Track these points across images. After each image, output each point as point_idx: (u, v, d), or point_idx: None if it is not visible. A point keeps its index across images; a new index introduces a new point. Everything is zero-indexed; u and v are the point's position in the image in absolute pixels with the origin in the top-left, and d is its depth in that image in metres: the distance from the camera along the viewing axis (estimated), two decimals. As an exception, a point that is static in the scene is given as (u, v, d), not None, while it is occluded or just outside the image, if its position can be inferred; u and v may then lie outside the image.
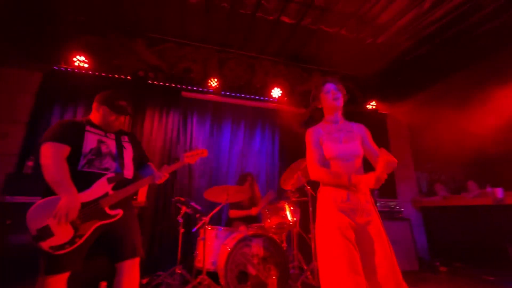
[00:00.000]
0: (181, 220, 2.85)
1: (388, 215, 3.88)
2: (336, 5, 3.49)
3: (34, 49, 3.59)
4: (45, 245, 1.37)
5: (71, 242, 1.42)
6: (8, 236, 2.59)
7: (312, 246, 2.79)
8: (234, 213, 3.24)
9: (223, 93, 4.28)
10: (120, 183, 1.61)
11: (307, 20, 3.77)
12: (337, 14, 3.63)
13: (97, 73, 3.82)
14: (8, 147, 3.24)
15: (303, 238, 3.09)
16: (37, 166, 3.12)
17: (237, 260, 2.35)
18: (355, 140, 1.58)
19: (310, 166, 1.57)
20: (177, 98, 4.11)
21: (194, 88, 4.22)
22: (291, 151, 4.42)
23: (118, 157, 1.67)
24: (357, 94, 5.03)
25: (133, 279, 1.59)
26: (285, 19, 3.78)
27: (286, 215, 2.72)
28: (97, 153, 1.60)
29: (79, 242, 1.44)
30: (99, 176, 1.56)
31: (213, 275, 2.53)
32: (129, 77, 3.95)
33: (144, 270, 1.83)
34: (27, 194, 2.72)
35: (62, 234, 1.40)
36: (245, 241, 2.41)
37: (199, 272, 2.55)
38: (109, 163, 1.62)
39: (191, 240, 3.35)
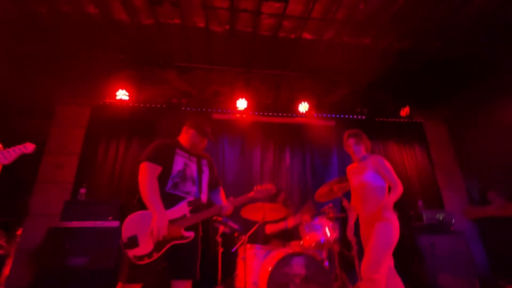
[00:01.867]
0: (219, 239, 2.89)
1: (436, 228, 3.55)
2: (357, 17, 3.50)
3: (83, 88, 4.06)
4: (131, 253, 1.53)
5: (150, 255, 1.55)
6: (66, 258, 2.82)
7: (356, 264, 2.65)
8: (270, 227, 3.21)
9: (251, 112, 4.39)
10: (197, 207, 1.76)
11: (329, 34, 3.81)
12: (358, 24, 3.63)
13: (136, 104, 4.17)
14: (64, 176, 3.62)
15: (346, 256, 2.95)
16: (89, 193, 3.42)
17: (278, 280, 2.31)
18: (364, 172, 2.10)
19: None
20: (209, 121, 4.31)
21: (224, 110, 4.40)
22: (323, 165, 4.34)
23: (198, 181, 1.83)
24: (387, 104, 4.86)
25: None
26: (307, 36, 3.86)
27: (325, 232, 2.64)
28: (182, 176, 1.78)
29: (155, 256, 1.57)
30: (181, 198, 1.72)
31: (255, 296, 2.49)
32: (164, 105, 4.25)
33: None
34: (81, 219, 2.98)
35: (144, 246, 1.56)
36: (285, 260, 2.37)
37: (241, 292, 2.54)
38: (190, 187, 1.79)
39: (229, 260, 3.36)
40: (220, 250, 2.89)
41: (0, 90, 3.23)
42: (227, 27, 3.68)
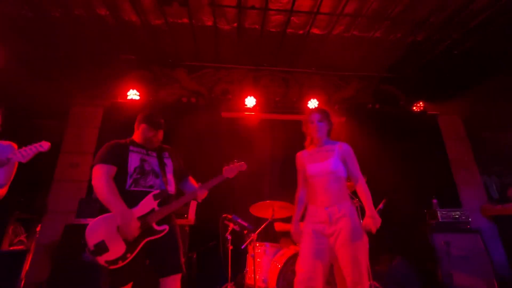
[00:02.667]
0: (229, 237, 2.91)
1: (452, 227, 3.44)
2: (367, 10, 3.41)
3: (96, 88, 4.16)
4: (101, 259, 1.49)
5: (123, 257, 1.52)
6: (81, 254, 2.92)
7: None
8: (279, 226, 3.20)
9: (260, 110, 4.38)
10: (165, 199, 1.72)
11: (339, 28, 3.74)
12: (369, 18, 3.54)
13: (146, 104, 4.24)
14: (80, 175, 3.75)
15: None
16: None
17: (288, 277, 2.30)
18: (330, 158, 1.78)
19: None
20: (218, 119, 4.33)
21: (233, 108, 4.41)
22: (334, 161, 4.28)
23: (161, 173, 1.78)
24: (399, 97, 4.73)
25: None
26: (316, 31, 3.80)
27: (335, 229, 2.61)
28: (141, 171, 1.72)
29: (130, 257, 1.53)
30: (145, 193, 1.67)
31: (265, 293, 2.50)
32: (174, 104, 4.31)
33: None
34: (96, 216, 3.06)
35: (115, 249, 1.51)
36: (295, 258, 2.36)
37: (251, 289, 2.55)
38: (152, 180, 1.73)
39: (240, 257, 3.39)
40: (230, 247, 2.91)
41: (17, 92, 3.36)
42: (235, 24, 3.67)
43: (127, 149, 1.77)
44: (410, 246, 3.72)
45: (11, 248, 3.14)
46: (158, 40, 3.96)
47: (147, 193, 1.67)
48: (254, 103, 4.30)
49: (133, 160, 1.74)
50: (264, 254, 2.69)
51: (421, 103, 4.57)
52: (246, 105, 4.31)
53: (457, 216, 3.48)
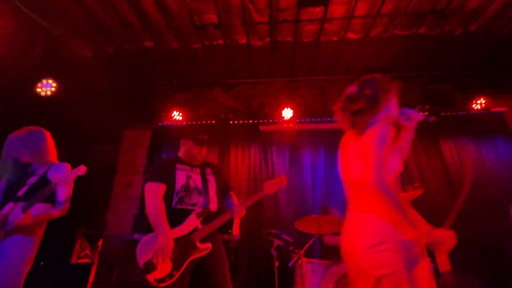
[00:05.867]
0: (274, 253, 2.83)
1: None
2: (407, 8, 3.18)
3: (144, 113, 4.54)
4: (150, 277, 1.52)
5: (170, 275, 1.54)
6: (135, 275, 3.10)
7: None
8: (328, 239, 3.01)
9: (298, 120, 4.31)
10: (207, 217, 1.74)
11: (377, 29, 3.56)
12: (410, 15, 3.31)
13: (189, 123, 4.49)
14: (132, 193, 4.06)
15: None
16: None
17: (341, 299, 2.12)
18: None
19: None
20: (256, 133, 4.37)
21: (270, 120, 4.42)
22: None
23: (204, 191, 1.82)
24: (453, 96, 4.24)
25: None
26: (351, 35, 3.67)
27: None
28: (187, 189, 1.78)
29: (177, 275, 1.55)
30: (189, 212, 1.71)
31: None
32: (213, 121, 4.48)
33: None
34: (149, 232, 3.25)
35: (163, 267, 1.54)
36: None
37: (301, 310, 2.41)
38: (196, 198, 1.78)
39: (286, 273, 3.25)
40: (276, 264, 2.82)
41: (78, 122, 3.85)
42: (268, 39, 3.74)
43: (174, 166, 1.84)
44: (488, 266, 3.18)
45: (79, 261, 3.49)
46: (196, 62, 4.21)
47: (190, 211, 1.72)
48: (292, 115, 4.25)
49: (180, 178, 1.79)
50: (312, 273, 2.53)
51: (482, 99, 4.04)
52: (283, 117, 4.28)
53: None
